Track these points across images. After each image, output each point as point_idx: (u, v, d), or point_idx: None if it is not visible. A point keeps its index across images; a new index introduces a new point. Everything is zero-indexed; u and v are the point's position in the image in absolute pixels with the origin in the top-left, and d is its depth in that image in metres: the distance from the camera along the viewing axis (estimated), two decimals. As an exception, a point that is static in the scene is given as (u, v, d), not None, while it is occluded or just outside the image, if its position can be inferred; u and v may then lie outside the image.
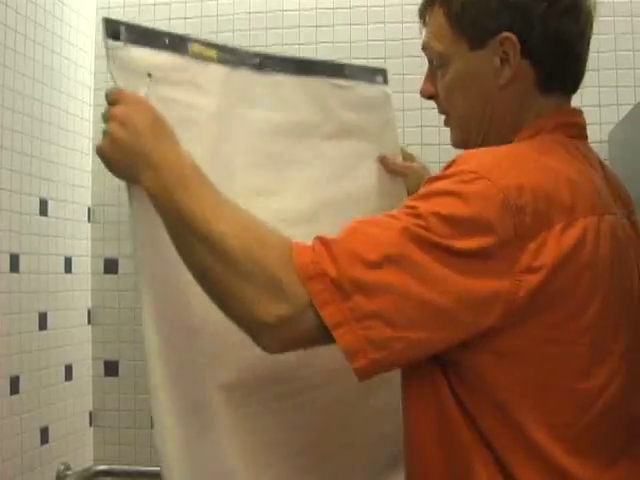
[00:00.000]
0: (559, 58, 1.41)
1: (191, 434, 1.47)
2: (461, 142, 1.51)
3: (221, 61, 1.65)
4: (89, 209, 3.20)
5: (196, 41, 1.62)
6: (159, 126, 1.43)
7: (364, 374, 1.24)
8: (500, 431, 1.26)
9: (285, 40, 3.12)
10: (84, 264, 3.14)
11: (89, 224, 3.20)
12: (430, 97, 1.55)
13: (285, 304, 1.24)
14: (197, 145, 1.49)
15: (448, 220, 1.21)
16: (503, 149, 1.33)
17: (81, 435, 3.03)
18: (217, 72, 1.65)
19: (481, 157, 1.29)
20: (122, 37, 1.49)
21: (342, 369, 1.28)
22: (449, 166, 1.30)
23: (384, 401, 1.74)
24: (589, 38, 1.45)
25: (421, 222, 1.22)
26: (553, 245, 1.20)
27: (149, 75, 1.50)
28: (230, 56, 1.68)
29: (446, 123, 1.55)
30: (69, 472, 2.86)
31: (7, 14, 2.59)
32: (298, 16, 3.13)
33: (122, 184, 3.08)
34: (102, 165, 3.02)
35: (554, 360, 1.24)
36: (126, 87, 1.47)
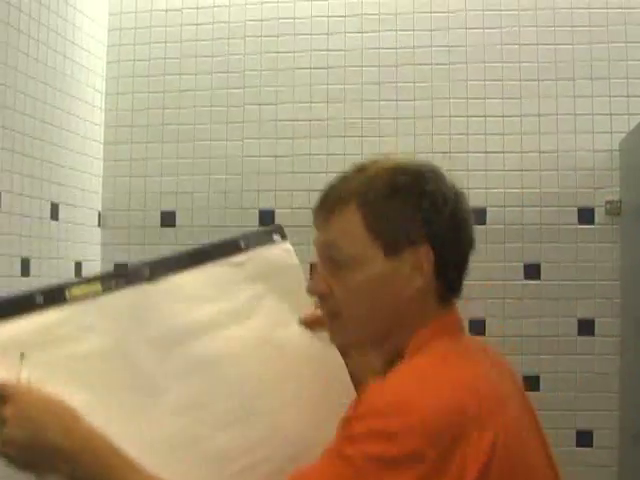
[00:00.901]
0: (460, 267, 1.48)
1: None
2: (348, 344, 1.52)
3: (107, 290, 1.57)
4: (99, 214, 3.20)
5: (73, 284, 1.54)
6: (59, 413, 1.37)
7: None
8: None
9: (296, 47, 3.13)
10: (94, 269, 3.14)
11: (99, 229, 3.21)
12: (320, 296, 1.48)
13: None
14: (105, 387, 1.48)
15: (379, 461, 1.22)
16: (405, 375, 1.33)
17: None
18: (106, 303, 1.57)
19: (391, 389, 1.29)
20: None
21: None
22: (359, 404, 1.30)
23: None
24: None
25: (350, 469, 1.23)
26: (474, 453, 1.23)
27: (22, 355, 1.41)
28: (115, 281, 1.60)
29: (332, 324, 1.48)
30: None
31: (20, 18, 2.60)
32: (310, 23, 3.13)
33: (133, 189, 3.13)
34: (113, 170, 3.04)
35: None
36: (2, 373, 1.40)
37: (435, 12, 3.08)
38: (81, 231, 3.05)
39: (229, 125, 3.16)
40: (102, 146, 3.21)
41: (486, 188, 2.98)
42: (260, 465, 1.57)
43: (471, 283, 2.89)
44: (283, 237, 1.99)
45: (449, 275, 1.43)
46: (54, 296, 1.52)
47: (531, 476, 1.32)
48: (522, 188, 2.96)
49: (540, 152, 2.96)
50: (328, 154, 3.07)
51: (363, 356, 1.57)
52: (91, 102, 3.13)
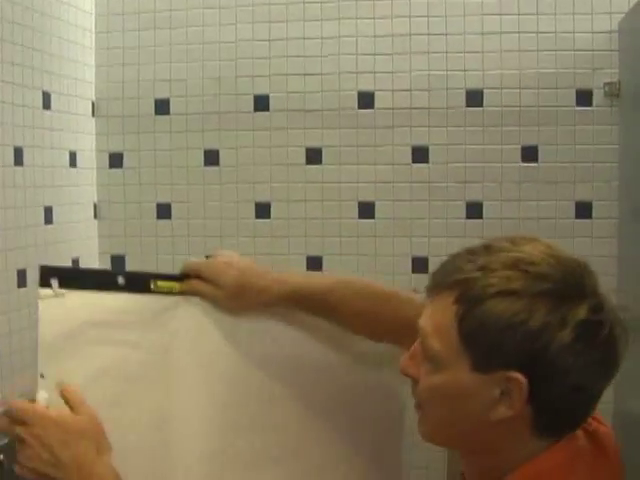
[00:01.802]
0: (570, 411, 1.23)
1: None
2: (430, 440, 1.35)
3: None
4: (93, 103, 3.17)
5: (158, 277, 1.59)
6: (73, 444, 1.38)
7: None
8: None
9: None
10: (89, 158, 3.13)
11: (93, 118, 3.18)
12: (410, 378, 1.35)
13: None
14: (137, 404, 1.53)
15: None
16: None
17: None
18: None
19: None
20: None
21: None
22: None
23: None
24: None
25: None
26: None
27: (41, 375, 1.44)
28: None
29: (417, 413, 1.35)
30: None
31: None
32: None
33: (126, 78, 3.10)
34: (105, 59, 3.01)
35: None
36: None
37: None
38: (75, 120, 3.02)
39: (222, 10, 3.10)
40: (94, 35, 3.15)
41: (483, 70, 2.93)
42: None
43: (469, 166, 2.95)
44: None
45: (550, 413, 1.22)
46: (137, 282, 1.56)
47: None
48: (520, 70, 2.92)
49: (538, 33, 2.91)
50: (322, 38, 3.02)
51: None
52: (81, -11, 3.07)
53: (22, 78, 2.64)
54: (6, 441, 2.28)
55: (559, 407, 1.20)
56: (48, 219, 2.79)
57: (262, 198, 3.07)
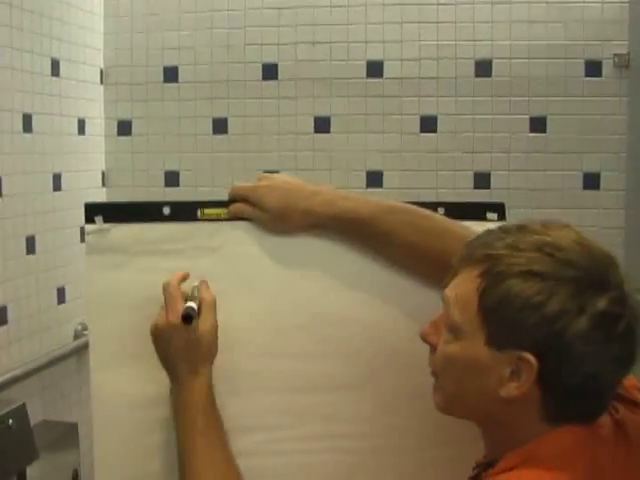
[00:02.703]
0: (580, 399, 1.23)
1: None
2: (441, 409, 1.37)
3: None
4: (101, 70, 3.17)
5: (205, 204, 1.63)
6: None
7: None
8: None
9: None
10: (97, 126, 3.13)
11: (101, 86, 3.18)
12: (429, 345, 1.37)
13: None
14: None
15: None
16: None
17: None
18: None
19: None
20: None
21: None
22: None
23: None
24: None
25: None
26: None
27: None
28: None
29: (435, 381, 1.37)
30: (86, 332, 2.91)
31: None
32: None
33: (135, 45, 3.10)
34: (114, 26, 3.01)
35: None
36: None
37: None
38: (83, 88, 3.02)
39: (230, -23, 3.10)
40: (102, 1, 3.14)
41: (492, 40, 2.92)
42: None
43: (477, 136, 2.94)
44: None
45: (560, 398, 1.22)
46: (184, 211, 1.60)
47: None
48: (529, 40, 2.91)
49: (547, 2, 2.90)
50: (331, 6, 3.01)
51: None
52: (90, -44, 3.06)
53: (31, 44, 2.64)
54: (15, 406, 2.31)
55: (569, 394, 1.21)
56: (57, 186, 2.80)
57: (270, 167, 3.06)
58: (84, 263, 1.59)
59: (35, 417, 2.57)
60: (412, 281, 1.63)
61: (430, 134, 2.99)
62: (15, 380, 2.50)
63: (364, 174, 3.03)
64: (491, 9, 2.92)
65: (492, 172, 2.96)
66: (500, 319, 1.21)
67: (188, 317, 1.44)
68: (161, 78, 3.16)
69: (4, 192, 2.51)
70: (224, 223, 1.60)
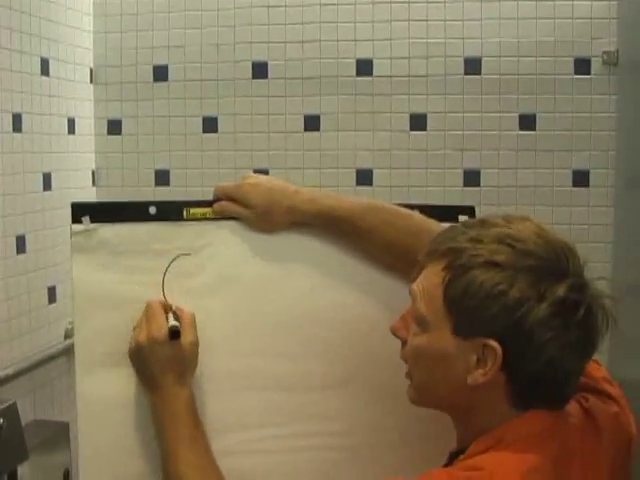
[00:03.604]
0: (543, 385, 1.27)
1: None
2: (414, 401, 1.41)
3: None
4: (91, 70, 3.16)
5: (191, 204, 1.64)
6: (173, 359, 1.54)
7: None
8: None
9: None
10: (87, 125, 3.13)
11: (91, 85, 3.17)
12: (399, 339, 1.43)
13: None
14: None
15: None
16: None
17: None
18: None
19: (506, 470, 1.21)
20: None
21: None
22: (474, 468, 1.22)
23: None
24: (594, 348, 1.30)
25: None
26: None
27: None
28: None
29: (406, 373, 1.42)
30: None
31: None
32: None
33: (124, 44, 3.09)
34: (103, 26, 3.00)
35: None
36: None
37: None
38: (73, 87, 3.01)
39: (219, -24, 3.10)
40: (92, 1, 3.14)
41: (481, 38, 2.93)
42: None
43: (466, 134, 2.95)
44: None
45: (524, 383, 1.27)
46: (169, 211, 1.61)
47: None
48: (518, 37, 2.92)
49: (537, 0, 2.90)
50: (321, 4, 3.01)
51: None
52: (78, -45, 3.06)
53: (20, 44, 2.63)
54: (6, 405, 2.31)
55: (533, 379, 1.25)
56: (47, 185, 2.80)
57: (260, 165, 3.07)
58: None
59: (26, 416, 2.57)
60: (393, 279, 1.66)
61: (420, 132, 2.99)
62: (6, 379, 2.50)
63: (354, 172, 3.04)
64: (480, 7, 2.92)
65: (482, 170, 2.97)
66: (464, 309, 1.26)
67: (175, 333, 1.48)
68: (151, 77, 3.15)
69: (-6, 192, 2.51)
70: (209, 223, 1.62)
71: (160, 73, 3.14)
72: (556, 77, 2.92)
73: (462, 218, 1.73)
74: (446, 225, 1.58)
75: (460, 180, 2.98)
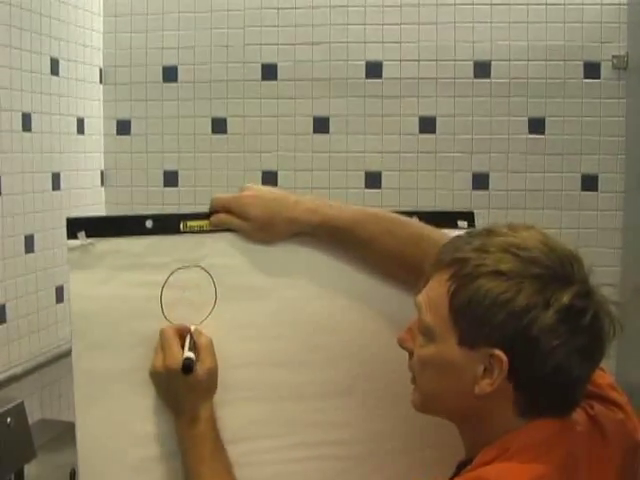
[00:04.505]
0: (551, 392, 1.25)
1: None
2: (418, 408, 1.40)
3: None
4: (101, 70, 3.17)
5: (188, 217, 1.61)
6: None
7: None
8: None
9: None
10: (96, 125, 3.13)
11: (101, 85, 3.18)
12: (406, 350, 1.40)
13: None
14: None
15: None
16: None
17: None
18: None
19: None
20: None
21: None
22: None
23: None
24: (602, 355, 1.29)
25: None
26: None
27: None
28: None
29: (412, 382, 1.40)
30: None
31: None
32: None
33: (134, 45, 3.10)
34: (113, 26, 3.01)
35: None
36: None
37: None
38: (82, 87, 3.02)
39: (231, -22, 3.10)
40: (102, 1, 3.15)
41: (491, 40, 2.93)
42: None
43: (476, 137, 2.94)
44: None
45: (531, 393, 1.25)
46: (166, 224, 1.58)
47: None
48: (528, 41, 2.92)
49: (547, 4, 2.90)
50: (331, 6, 3.01)
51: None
52: (89, -44, 3.07)
53: (30, 44, 2.64)
54: (13, 404, 2.31)
55: (539, 387, 1.24)
56: (56, 185, 2.80)
57: (269, 167, 3.07)
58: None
59: (33, 416, 2.58)
60: (394, 288, 1.65)
61: (429, 135, 2.99)
62: (14, 379, 2.51)
63: (363, 174, 3.04)
64: (490, 10, 2.93)
65: (491, 173, 2.96)
66: (470, 318, 1.24)
67: (188, 368, 1.46)
68: (160, 78, 3.16)
69: (3, 191, 2.51)
70: (206, 235, 1.59)
71: (170, 74, 3.15)
72: (565, 81, 2.92)
73: (461, 223, 1.73)
74: (445, 231, 1.59)
75: (469, 183, 2.98)
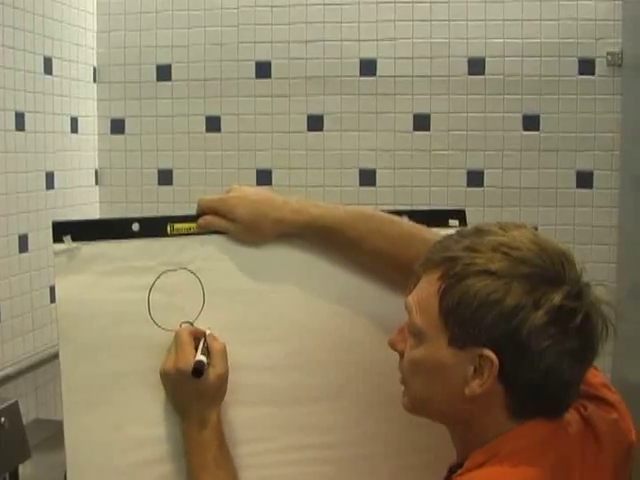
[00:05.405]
0: (542, 394, 1.24)
1: None
2: (409, 410, 1.39)
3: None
4: (94, 69, 3.16)
5: (175, 219, 1.60)
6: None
7: None
8: None
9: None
10: (90, 124, 3.13)
11: (94, 84, 3.17)
12: (397, 352, 1.40)
13: None
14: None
15: None
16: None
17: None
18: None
19: None
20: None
21: None
22: None
23: None
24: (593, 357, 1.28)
25: None
26: None
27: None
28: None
29: (402, 384, 1.39)
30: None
31: None
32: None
33: (128, 43, 3.09)
34: (106, 25, 3.00)
35: None
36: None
37: None
38: (76, 86, 3.01)
39: (224, -24, 3.09)
40: (95, 0, 3.14)
41: (485, 38, 2.92)
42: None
43: (470, 134, 2.94)
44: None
45: (521, 393, 1.24)
46: (153, 227, 1.58)
47: None
48: (522, 38, 2.91)
49: (541, 1, 2.90)
50: (324, 4, 3.01)
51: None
52: (83, -46, 3.06)
53: (23, 43, 2.63)
54: (7, 404, 2.30)
55: (530, 388, 1.23)
56: (49, 185, 2.80)
57: (263, 165, 3.07)
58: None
59: (28, 415, 2.57)
60: (384, 289, 1.65)
61: (423, 132, 2.99)
62: (8, 378, 2.50)
63: (357, 172, 3.03)
64: (484, 7, 2.92)
65: (485, 170, 2.96)
66: (460, 319, 1.23)
67: (198, 372, 1.46)
68: (154, 76, 3.15)
69: (-3, 190, 2.51)
70: (194, 238, 1.59)
71: (163, 72, 3.14)
72: (560, 78, 2.91)
73: (452, 222, 1.73)
74: (436, 230, 1.59)
75: (464, 180, 2.97)
